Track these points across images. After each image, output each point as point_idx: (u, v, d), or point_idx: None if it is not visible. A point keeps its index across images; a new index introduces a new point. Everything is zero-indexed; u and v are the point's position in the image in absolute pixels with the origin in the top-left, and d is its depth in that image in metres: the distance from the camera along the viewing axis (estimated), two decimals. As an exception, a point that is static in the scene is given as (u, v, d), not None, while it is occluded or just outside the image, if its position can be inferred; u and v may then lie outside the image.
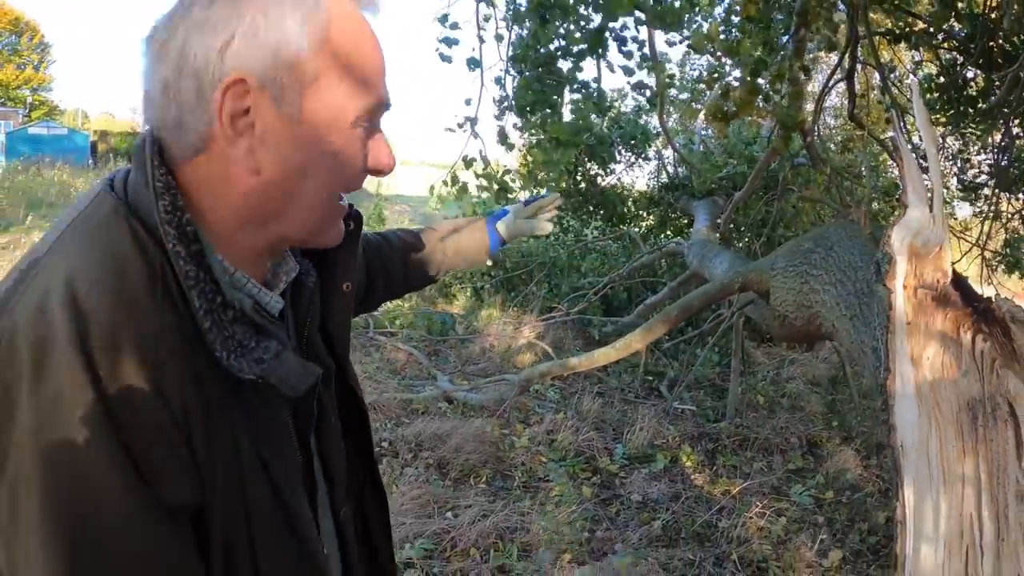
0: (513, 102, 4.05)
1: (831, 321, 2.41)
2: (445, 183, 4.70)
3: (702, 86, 8.49)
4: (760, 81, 4.24)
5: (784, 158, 5.82)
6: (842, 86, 4.86)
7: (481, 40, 4.14)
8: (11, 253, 8.80)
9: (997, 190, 5.90)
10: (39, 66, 38.19)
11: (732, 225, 6.63)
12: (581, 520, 3.46)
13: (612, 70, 3.93)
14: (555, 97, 3.83)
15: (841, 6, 4.48)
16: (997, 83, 4.56)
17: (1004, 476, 1.39)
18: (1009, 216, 6.46)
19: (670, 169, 8.99)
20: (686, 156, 7.58)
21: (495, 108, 4.26)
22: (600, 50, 3.72)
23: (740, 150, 7.69)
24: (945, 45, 5.14)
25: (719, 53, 4.67)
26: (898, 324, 1.60)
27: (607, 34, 3.70)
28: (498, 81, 4.19)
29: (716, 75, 5.08)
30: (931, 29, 4.78)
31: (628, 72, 4.11)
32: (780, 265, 3.01)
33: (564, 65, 3.81)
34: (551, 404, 5.08)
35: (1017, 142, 5.45)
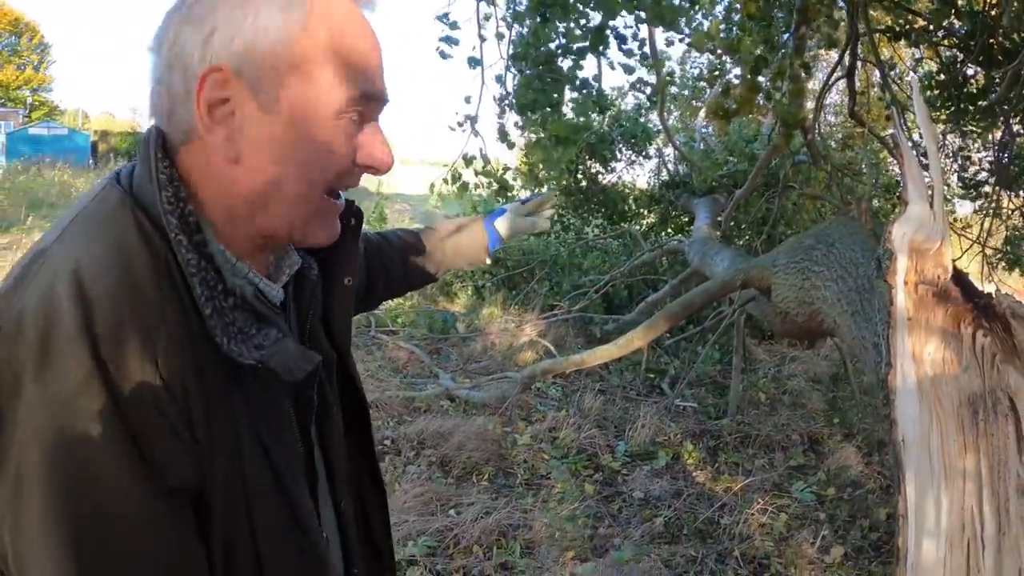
0: (514, 100, 4.06)
1: (832, 317, 2.41)
2: (445, 181, 4.71)
3: (702, 84, 8.50)
4: (760, 79, 4.25)
5: (785, 155, 5.82)
6: (842, 83, 4.86)
7: (482, 39, 4.15)
8: (13, 253, 8.79)
9: (997, 187, 5.90)
10: (39, 66, 38.20)
11: (733, 223, 6.63)
12: (583, 517, 3.48)
13: (612, 68, 3.94)
14: (555, 95, 3.84)
15: (841, 3, 4.49)
16: (997, 80, 4.57)
17: (1005, 470, 1.39)
18: (1009, 213, 6.46)
19: (671, 167, 8.99)
20: (687, 154, 7.58)
21: (496, 106, 4.27)
22: (601, 48, 3.73)
23: (741, 148, 7.69)
24: (945, 42, 5.14)
25: (719, 51, 4.68)
26: (899, 320, 1.61)
27: (607, 32, 3.71)
28: (499, 79, 4.20)
29: (717, 73, 5.09)
30: (931, 26, 4.78)
31: (628, 70, 4.12)
32: (781, 262, 3.02)
33: (564, 63, 3.82)
34: (553, 402, 5.09)
35: (1017, 139, 5.45)
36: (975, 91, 5.14)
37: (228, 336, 0.74)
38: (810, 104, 5.12)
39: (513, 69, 4.05)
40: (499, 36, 4.13)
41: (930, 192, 1.79)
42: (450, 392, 4.86)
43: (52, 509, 0.64)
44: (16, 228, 10.90)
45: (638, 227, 8.71)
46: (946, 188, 6.22)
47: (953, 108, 5.18)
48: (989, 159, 6.12)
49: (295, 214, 0.81)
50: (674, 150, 7.93)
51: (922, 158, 2.69)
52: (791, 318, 2.89)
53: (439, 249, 1.46)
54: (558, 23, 3.68)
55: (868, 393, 5.12)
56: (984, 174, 6.26)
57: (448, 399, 4.83)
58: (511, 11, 4.00)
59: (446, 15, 4.08)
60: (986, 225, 6.15)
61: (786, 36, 4.39)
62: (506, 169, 4.90)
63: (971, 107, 5.12)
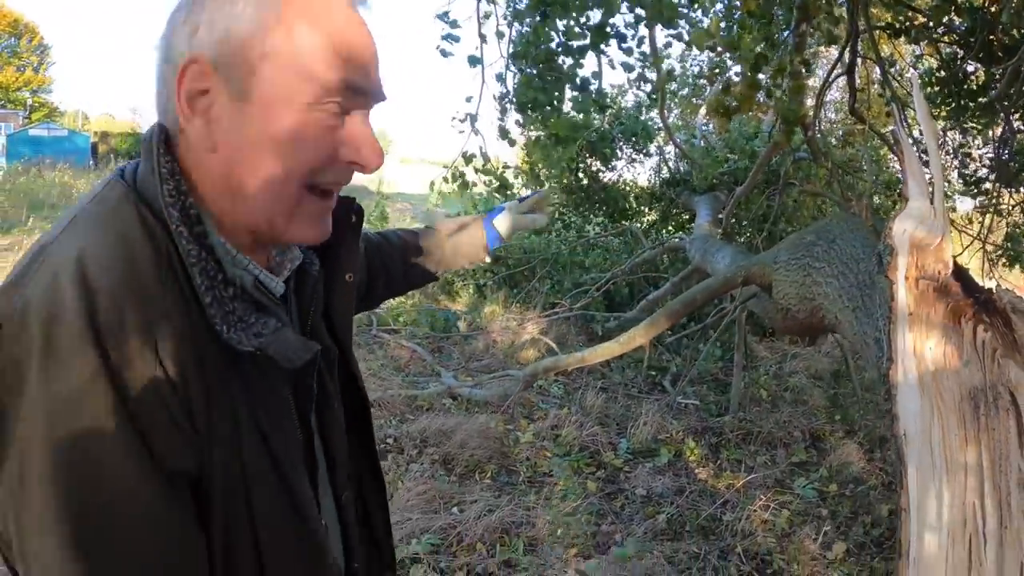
0: (514, 99, 4.06)
1: (834, 313, 2.42)
2: (446, 179, 4.72)
3: (703, 81, 8.50)
4: (761, 76, 4.25)
5: (785, 153, 5.82)
6: (843, 80, 4.86)
7: (482, 38, 4.15)
8: (14, 255, 8.81)
9: (998, 184, 5.90)
10: (39, 68, 38.20)
11: (734, 220, 6.63)
12: (586, 514, 3.48)
13: (612, 67, 3.95)
14: (556, 94, 3.84)
15: (841, 0, 4.49)
16: (997, 76, 4.57)
17: (1006, 464, 1.40)
18: (1010, 210, 6.46)
19: (671, 165, 9.00)
20: (688, 152, 7.59)
21: (496, 105, 4.27)
22: (601, 46, 3.73)
23: (741, 145, 7.70)
24: (945, 39, 5.14)
25: (719, 48, 4.68)
26: (900, 315, 1.62)
27: (608, 30, 3.71)
28: (499, 78, 4.21)
29: (717, 71, 5.09)
30: (931, 23, 4.78)
31: (628, 68, 4.12)
32: (782, 258, 3.03)
33: (565, 62, 3.82)
34: (555, 400, 5.10)
35: (1018, 136, 5.45)
36: (975, 87, 5.14)
37: (228, 324, 0.75)
38: (810, 101, 5.13)
39: (513, 68, 4.06)
40: (499, 34, 4.13)
41: (930, 188, 1.80)
42: (452, 390, 4.87)
43: (55, 499, 0.65)
44: (17, 229, 10.91)
45: (639, 225, 8.72)
46: (947, 185, 6.22)
47: (953, 104, 5.19)
48: (989, 155, 6.12)
49: (273, 208, 0.80)
50: (675, 148, 7.93)
51: (923, 155, 2.69)
52: (792, 314, 2.90)
53: (439, 248, 1.47)
54: (558, 21, 3.68)
55: (869, 389, 5.13)
56: (984, 171, 6.26)
57: (450, 397, 4.84)
58: (511, 9, 4.00)
59: (446, 14, 4.09)
60: (987, 222, 6.16)
61: (786, 33, 4.39)
62: (506, 168, 4.90)
63: (971, 103, 5.13)
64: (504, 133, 4.40)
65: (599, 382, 5.44)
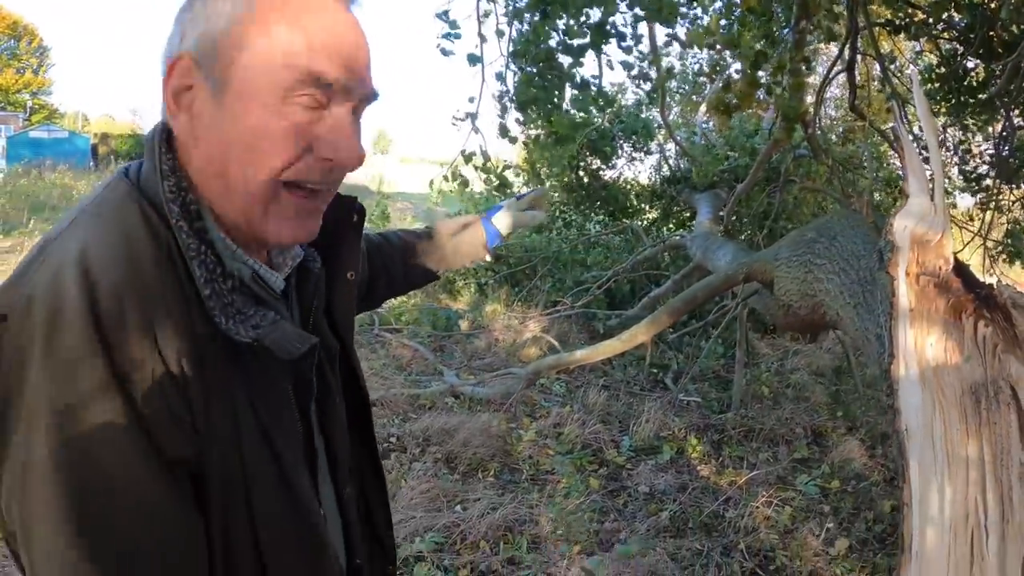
0: (514, 97, 4.07)
1: (835, 309, 2.43)
2: (445, 178, 4.73)
3: (703, 79, 8.50)
4: (760, 73, 4.26)
5: (786, 150, 5.83)
6: (842, 77, 4.87)
7: (482, 38, 4.16)
8: (15, 256, 8.82)
9: (998, 180, 5.91)
10: (38, 70, 38.21)
11: (735, 217, 6.64)
12: (589, 512, 3.49)
13: (611, 67, 3.95)
14: (556, 92, 3.85)
15: (841, -3, 4.50)
16: (997, 73, 4.58)
17: (1008, 458, 1.41)
18: (1010, 206, 6.46)
19: (672, 162, 9.00)
20: (688, 149, 7.59)
21: (496, 104, 4.28)
22: (601, 45, 3.73)
23: (742, 142, 7.70)
24: (945, 35, 5.15)
25: (719, 46, 4.68)
26: (901, 311, 1.63)
27: (608, 28, 3.71)
28: (499, 77, 4.21)
29: (717, 68, 5.10)
30: (930, 19, 4.79)
31: (627, 67, 4.13)
32: (784, 255, 3.03)
33: (564, 60, 3.83)
34: (557, 398, 5.11)
35: (1018, 132, 5.46)
36: (975, 84, 5.15)
37: (226, 316, 0.77)
38: (810, 98, 5.13)
39: (513, 66, 4.06)
40: (499, 33, 4.14)
41: (931, 185, 1.81)
42: (455, 389, 4.87)
43: (57, 486, 0.67)
44: (18, 231, 10.92)
45: (640, 223, 8.72)
46: (947, 181, 6.23)
47: (953, 101, 5.20)
48: (990, 152, 6.13)
49: (248, 203, 0.80)
50: (675, 145, 7.93)
51: (923, 151, 2.70)
52: (794, 311, 2.91)
53: (439, 248, 1.48)
54: (558, 19, 3.69)
55: (871, 386, 5.14)
56: (985, 167, 6.27)
57: (453, 396, 4.84)
58: (511, 8, 4.01)
59: (446, 13, 4.09)
60: (987, 218, 6.16)
61: (786, 31, 4.39)
62: (507, 167, 4.91)
63: (971, 100, 5.14)
64: (504, 131, 4.40)
65: (601, 380, 5.45)
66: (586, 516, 3.43)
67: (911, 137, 3.28)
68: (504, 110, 4.27)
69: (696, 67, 10.07)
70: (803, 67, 4.26)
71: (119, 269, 0.71)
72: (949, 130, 6.14)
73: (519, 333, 6.36)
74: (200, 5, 0.79)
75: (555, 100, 3.81)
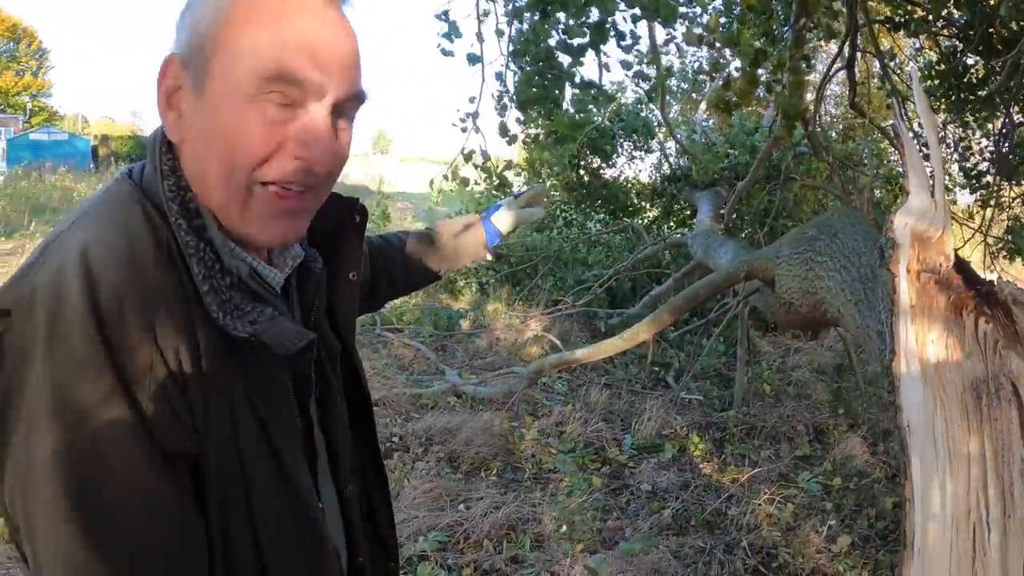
0: (514, 97, 4.07)
1: (836, 307, 2.44)
2: (445, 177, 4.73)
3: (702, 77, 8.50)
4: (760, 71, 4.26)
5: (786, 147, 5.83)
6: (842, 74, 4.87)
7: (479, 38, 4.16)
8: (17, 259, 8.83)
9: (998, 177, 5.91)
10: (38, 72, 38.23)
11: (735, 215, 6.64)
12: (592, 510, 3.50)
13: (608, 69, 3.94)
14: (556, 91, 3.85)
15: (840, -5, 4.50)
16: (997, 69, 4.58)
17: (1009, 454, 1.42)
18: (1010, 202, 6.46)
19: (672, 160, 9.01)
20: (688, 147, 7.60)
21: (496, 103, 4.28)
22: (600, 45, 3.73)
23: (742, 140, 7.71)
24: (944, 32, 5.15)
25: (719, 44, 4.69)
26: (902, 308, 1.63)
27: (607, 27, 3.71)
28: (499, 77, 4.21)
29: (717, 66, 5.10)
30: (930, 16, 4.79)
31: (627, 66, 4.13)
32: (785, 253, 3.04)
33: (564, 60, 3.82)
34: (559, 396, 5.12)
35: (1018, 128, 5.46)
36: (975, 80, 5.15)
37: (224, 311, 0.78)
38: (810, 96, 5.14)
39: (513, 66, 4.06)
40: (499, 33, 4.14)
41: (931, 182, 1.82)
42: (457, 388, 4.88)
43: (59, 479, 0.68)
44: (19, 234, 10.93)
45: (641, 221, 8.73)
46: (947, 178, 6.23)
47: (953, 98, 5.20)
48: (990, 149, 6.13)
49: (225, 201, 0.81)
50: (675, 144, 7.94)
51: (923, 148, 2.70)
52: (795, 309, 2.91)
53: (440, 248, 1.49)
54: (558, 19, 3.69)
55: (873, 383, 5.14)
56: (985, 164, 6.27)
57: (455, 395, 4.85)
58: (511, 7, 4.00)
59: (445, 13, 4.09)
60: (987, 215, 6.16)
61: (786, 29, 4.39)
62: (507, 166, 4.91)
63: (971, 96, 5.14)
64: (504, 131, 4.40)
65: (603, 378, 5.46)
66: (589, 514, 3.44)
67: (911, 134, 3.29)
68: (504, 109, 4.27)
69: (696, 65, 10.07)
70: (803, 65, 4.26)
71: (120, 269, 0.72)
72: (949, 127, 6.14)
73: (520, 332, 6.36)
74: (191, 8, 0.81)
75: (555, 99, 3.81)
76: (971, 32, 4.53)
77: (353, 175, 24.62)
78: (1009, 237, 6.44)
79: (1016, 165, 5.71)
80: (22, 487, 0.69)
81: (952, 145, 6.35)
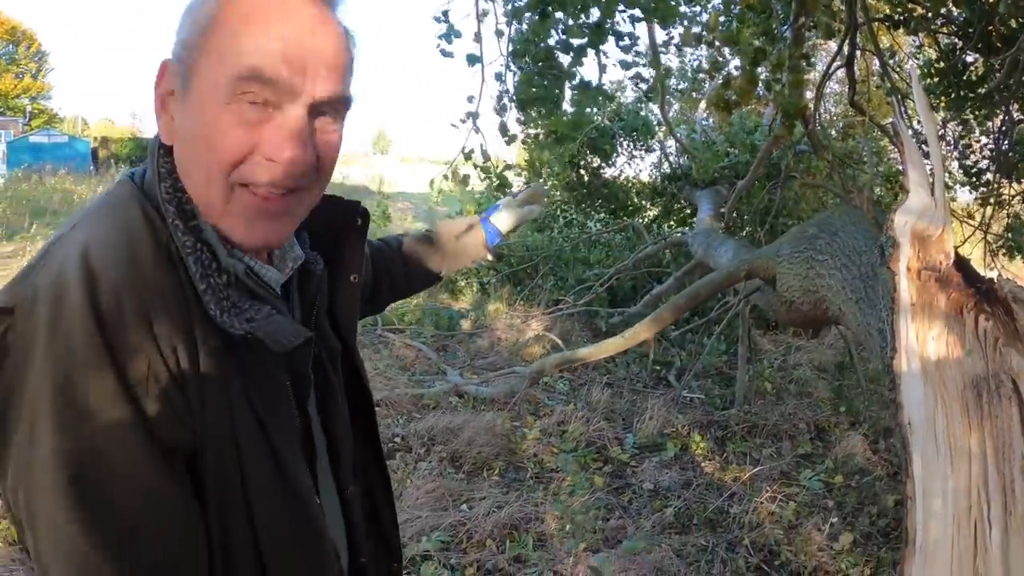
0: (514, 97, 4.07)
1: (837, 305, 2.44)
2: (445, 177, 4.74)
3: (702, 76, 8.50)
4: (760, 70, 4.26)
5: (786, 146, 5.83)
6: (842, 73, 4.87)
7: (477, 37, 4.16)
8: (18, 261, 8.84)
9: (998, 174, 5.91)
10: (37, 74, 38.22)
11: (736, 214, 6.64)
12: (594, 509, 3.50)
13: (604, 70, 3.94)
14: (556, 91, 3.85)
15: (839, -7, 4.50)
16: (996, 67, 4.58)
17: (1010, 451, 1.42)
18: (1009, 200, 6.46)
19: (672, 159, 9.01)
20: (688, 146, 7.60)
21: (495, 103, 4.28)
22: (600, 45, 3.74)
23: (742, 139, 7.70)
24: (944, 30, 5.15)
25: (718, 43, 4.69)
26: (903, 306, 1.64)
27: (606, 27, 3.71)
28: (498, 77, 4.22)
29: (717, 65, 5.10)
30: (929, 14, 4.79)
31: (626, 66, 4.13)
32: (786, 251, 3.04)
33: (564, 60, 3.83)
34: (561, 396, 5.12)
35: (1018, 126, 5.46)
36: (974, 78, 5.15)
37: (222, 309, 0.79)
38: (810, 94, 5.13)
39: (513, 66, 4.07)
40: (499, 33, 4.14)
41: (931, 180, 1.82)
42: (458, 388, 4.88)
43: (60, 473, 0.69)
44: (20, 236, 10.93)
45: (641, 220, 8.73)
46: (947, 176, 6.23)
47: (953, 95, 5.20)
48: (990, 147, 6.13)
49: (207, 201, 0.81)
50: (675, 143, 7.94)
51: (923, 146, 2.71)
52: (796, 307, 2.92)
53: (440, 250, 1.50)
54: (558, 19, 3.69)
55: (874, 380, 5.15)
56: (985, 162, 6.27)
57: (457, 395, 4.86)
58: (510, 7, 4.01)
59: (445, 14, 4.10)
60: (988, 212, 6.16)
61: (785, 27, 4.39)
62: (507, 166, 4.92)
63: (971, 94, 5.14)
64: (504, 131, 4.41)
65: (604, 378, 5.47)
66: (591, 513, 3.45)
67: (911, 132, 3.29)
68: (504, 110, 4.28)
69: (696, 64, 10.06)
70: (802, 63, 4.26)
71: (120, 269, 0.73)
72: (949, 125, 6.14)
73: (522, 332, 6.37)
74: (185, 13, 0.82)
75: (555, 99, 3.82)
76: (970, 30, 4.53)
77: (353, 175, 24.64)
78: (1009, 235, 6.44)
79: (1016, 163, 5.72)
80: (24, 484, 0.71)
81: (952, 143, 6.35)
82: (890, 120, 5.69)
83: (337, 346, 1.04)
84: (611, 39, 3.81)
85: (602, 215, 9.18)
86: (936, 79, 5.20)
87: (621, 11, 3.70)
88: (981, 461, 1.43)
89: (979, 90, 5.05)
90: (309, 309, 0.98)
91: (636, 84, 4.77)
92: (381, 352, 5.81)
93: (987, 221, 6.14)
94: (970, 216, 6.52)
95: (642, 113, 9.31)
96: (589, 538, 3.23)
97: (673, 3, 3.52)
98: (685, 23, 4.48)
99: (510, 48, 4.05)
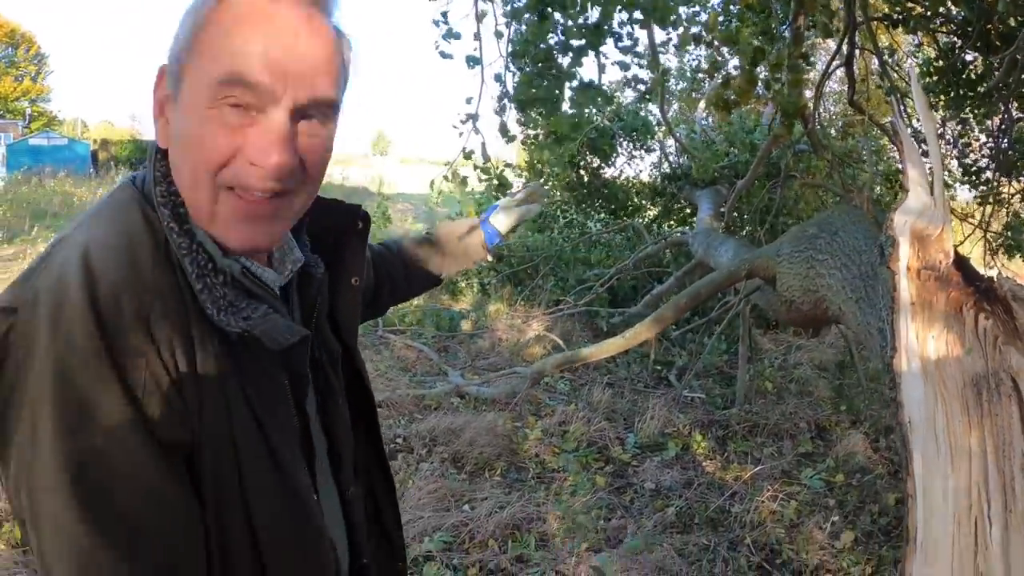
0: (514, 97, 4.07)
1: (837, 304, 2.45)
2: (446, 178, 4.74)
3: (701, 76, 8.50)
4: (759, 69, 4.26)
5: (786, 145, 5.83)
6: (841, 72, 4.87)
7: (476, 37, 4.17)
8: (19, 263, 8.84)
9: (997, 173, 5.92)
10: (36, 77, 38.23)
11: (736, 213, 6.64)
12: (596, 509, 3.51)
13: (603, 71, 3.94)
14: (556, 92, 3.86)
15: (838, -8, 4.50)
16: (996, 66, 4.58)
17: (1010, 449, 1.43)
18: (1009, 199, 6.47)
19: (672, 159, 9.01)
20: (688, 146, 7.60)
21: (495, 104, 4.28)
22: (599, 46, 3.74)
23: (741, 138, 7.71)
24: (943, 29, 5.15)
25: (717, 43, 4.69)
26: (903, 305, 1.64)
27: (605, 28, 3.72)
28: (498, 78, 4.22)
29: (716, 65, 5.10)
30: (928, 13, 4.79)
31: (624, 67, 4.14)
32: (786, 251, 3.05)
33: (564, 60, 3.83)
34: (562, 396, 5.13)
35: (1017, 125, 5.46)
36: (973, 77, 5.16)
37: (218, 308, 0.80)
38: (809, 93, 5.14)
39: (513, 67, 4.07)
40: (498, 34, 4.15)
41: (930, 179, 1.83)
42: (460, 389, 4.89)
43: (62, 472, 0.70)
44: (20, 239, 10.94)
45: (641, 220, 8.73)
46: (946, 174, 6.23)
47: (952, 94, 5.20)
48: (989, 145, 6.13)
49: (196, 204, 0.82)
50: (675, 142, 7.94)
51: (922, 145, 2.72)
52: (796, 306, 2.92)
53: (439, 253, 1.51)
54: (557, 19, 3.70)
55: (874, 380, 5.15)
56: (984, 160, 6.27)
57: (458, 396, 4.86)
58: (509, 8, 4.01)
59: (444, 14, 4.10)
60: (987, 211, 6.17)
61: (784, 27, 4.40)
62: (507, 166, 4.93)
63: (970, 93, 5.15)
64: (504, 131, 4.41)
65: (605, 378, 5.47)
66: (593, 513, 3.45)
67: (910, 131, 3.30)
68: (503, 110, 4.28)
69: (695, 64, 10.07)
70: (802, 63, 4.27)
71: (119, 269, 0.75)
72: (948, 123, 6.15)
73: (522, 332, 6.37)
74: (181, 18, 0.83)
75: (555, 100, 3.82)
76: (969, 28, 4.54)
77: (353, 177, 24.67)
78: (1008, 233, 6.45)
79: (1015, 161, 5.72)
80: (27, 484, 0.71)
81: (951, 141, 6.36)
82: (889, 119, 5.69)
83: (338, 349, 1.04)
84: (610, 40, 3.81)
85: (602, 215, 9.18)
86: (935, 78, 5.21)
87: (620, 11, 3.70)
88: (981, 459, 1.44)
89: (978, 89, 5.06)
90: (309, 312, 0.99)
91: (634, 86, 4.76)
92: (382, 353, 5.82)
93: (986, 220, 6.14)
94: (969, 215, 6.52)
95: (641, 113, 9.31)
96: (591, 538, 3.24)
97: (672, 3, 3.52)
98: (684, 24, 4.48)
99: (509, 49, 4.05)
